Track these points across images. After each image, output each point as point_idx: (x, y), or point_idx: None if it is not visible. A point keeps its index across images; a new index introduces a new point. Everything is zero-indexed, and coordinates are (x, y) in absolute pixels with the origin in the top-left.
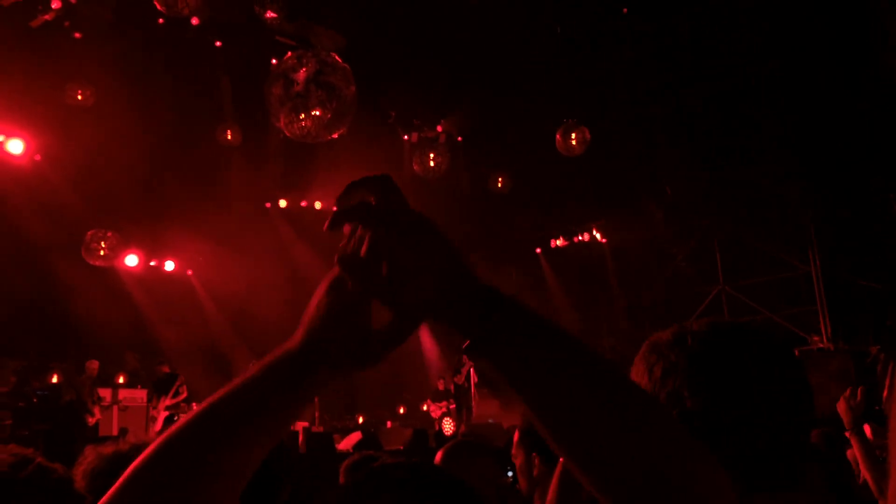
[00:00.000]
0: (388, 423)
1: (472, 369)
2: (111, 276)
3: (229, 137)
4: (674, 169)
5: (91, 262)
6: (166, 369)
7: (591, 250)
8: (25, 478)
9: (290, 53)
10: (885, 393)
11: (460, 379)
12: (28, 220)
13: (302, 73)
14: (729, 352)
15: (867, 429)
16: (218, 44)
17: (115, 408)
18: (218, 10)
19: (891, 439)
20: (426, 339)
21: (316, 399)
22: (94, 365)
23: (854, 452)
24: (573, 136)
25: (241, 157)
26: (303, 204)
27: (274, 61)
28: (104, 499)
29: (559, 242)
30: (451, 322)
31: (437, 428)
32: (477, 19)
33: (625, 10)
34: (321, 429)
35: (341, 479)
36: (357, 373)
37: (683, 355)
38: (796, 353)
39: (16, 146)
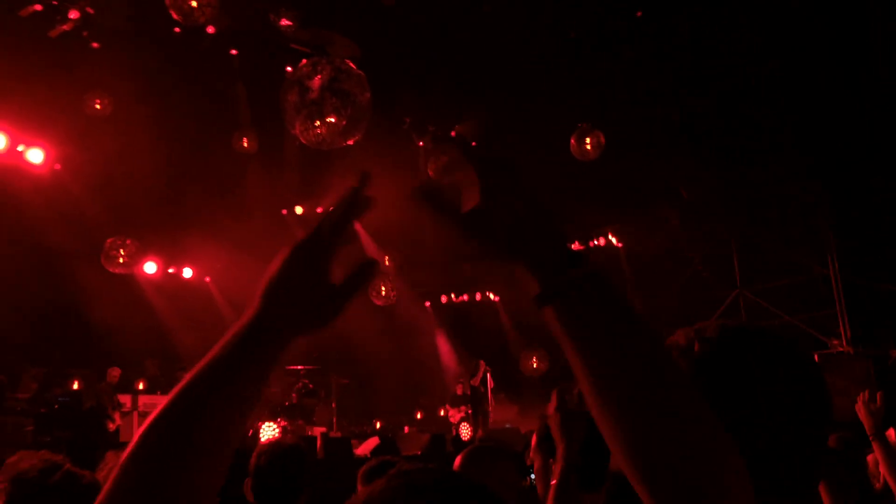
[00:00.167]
0: (406, 429)
1: (488, 374)
2: (130, 284)
3: (245, 145)
4: (690, 172)
5: (110, 270)
6: None
7: (606, 255)
8: (54, 483)
9: (304, 61)
10: None
11: (476, 381)
12: (48, 229)
13: (317, 81)
14: (736, 354)
15: (892, 433)
16: (234, 52)
17: (136, 414)
18: (234, 18)
19: None
20: (443, 345)
21: (334, 404)
22: (115, 372)
23: (875, 457)
24: (588, 140)
25: (257, 164)
26: (319, 210)
27: (289, 69)
28: (100, 496)
29: (575, 247)
30: (532, 261)
31: (454, 433)
32: (490, 24)
33: (639, 13)
34: (339, 434)
35: (359, 485)
36: (319, 331)
37: (691, 358)
38: (815, 357)
39: (36, 155)
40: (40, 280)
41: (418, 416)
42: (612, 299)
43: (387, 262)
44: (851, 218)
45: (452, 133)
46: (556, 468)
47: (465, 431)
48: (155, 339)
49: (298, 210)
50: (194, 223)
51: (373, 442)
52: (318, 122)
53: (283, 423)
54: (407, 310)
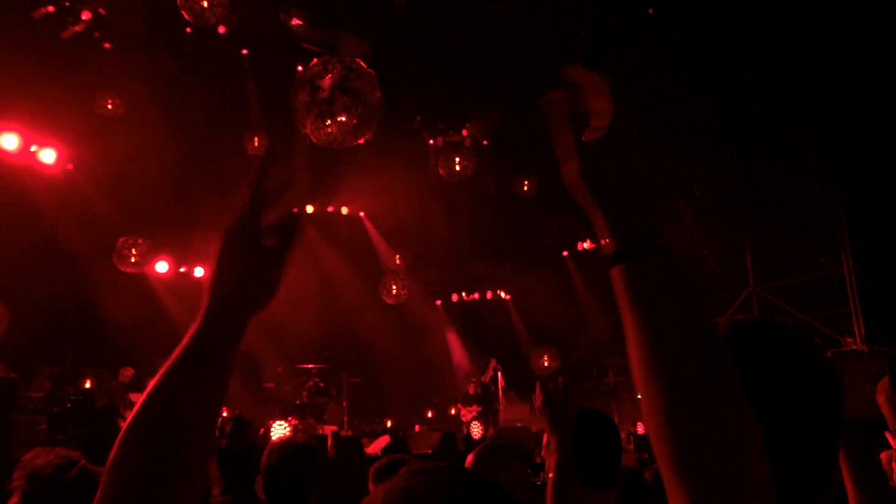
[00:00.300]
0: (417, 427)
1: (499, 372)
2: (142, 283)
3: (256, 144)
4: (704, 170)
5: (122, 269)
6: None
7: None
8: (69, 480)
9: (315, 60)
10: None
11: (486, 378)
12: (60, 228)
13: (327, 80)
14: (747, 350)
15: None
16: (244, 52)
17: None
18: (244, 18)
19: None
20: (453, 344)
21: (345, 403)
22: (128, 372)
23: (889, 454)
24: None
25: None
26: (329, 209)
27: (300, 68)
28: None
29: (586, 245)
30: (621, 217)
31: (465, 431)
32: (500, 23)
33: (650, 10)
34: (350, 433)
35: (370, 483)
36: (267, 303)
37: None
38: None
39: (48, 156)
40: (53, 279)
41: (429, 414)
42: (681, 276)
43: (398, 261)
44: (865, 214)
45: (464, 132)
46: (552, 460)
47: (477, 430)
48: (166, 338)
49: (309, 209)
50: (205, 222)
51: (384, 440)
52: (328, 121)
53: (294, 422)
54: (418, 308)
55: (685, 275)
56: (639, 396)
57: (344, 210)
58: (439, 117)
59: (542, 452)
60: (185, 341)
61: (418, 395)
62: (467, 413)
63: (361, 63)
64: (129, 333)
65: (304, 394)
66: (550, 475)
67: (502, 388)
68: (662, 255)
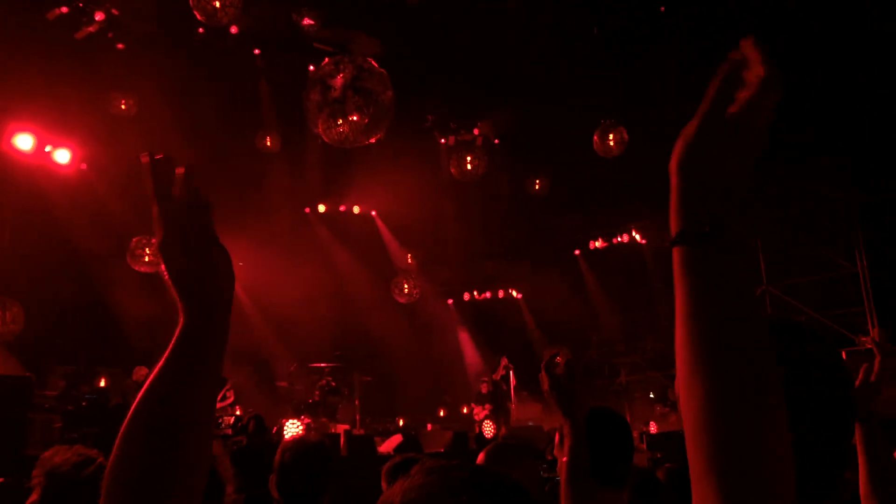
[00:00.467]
0: (429, 426)
1: (511, 371)
2: (156, 282)
3: (269, 144)
4: None
5: (136, 269)
6: None
7: (630, 251)
8: (87, 477)
9: (327, 59)
10: None
11: (496, 376)
12: (75, 228)
13: (339, 79)
14: None
15: None
16: (256, 51)
17: None
18: (256, 18)
19: None
20: (465, 343)
21: (357, 402)
22: (142, 371)
23: None
24: (611, 137)
25: (280, 163)
26: (341, 208)
27: (311, 67)
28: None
29: (598, 244)
30: (700, 198)
31: (477, 430)
32: (513, 21)
33: (662, 7)
34: (362, 431)
35: (382, 482)
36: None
37: None
38: (843, 354)
39: (62, 155)
40: (67, 279)
41: (441, 413)
42: (743, 269)
43: (409, 260)
44: (879, 213)
45: (475, 131)
46: (565, 445)
47: (489, 429)
48: None
49: (321, 208)
50: (217, 221)
51: (396, 439)
52: (340, 121)
53: (306, 421)
54: (429, 308)
55: (745, 270)
56: (676, 387)
57: (356, 209)
58: (451, 116)
59: (555, 451)
60: (175, 336)
61: (430, 394)
62: (480, 411)
63: (373, 62)
64: (142, 332)
65: (317, 392)
66: (564, 459)
67: (514, 386)
68: (726, 246)
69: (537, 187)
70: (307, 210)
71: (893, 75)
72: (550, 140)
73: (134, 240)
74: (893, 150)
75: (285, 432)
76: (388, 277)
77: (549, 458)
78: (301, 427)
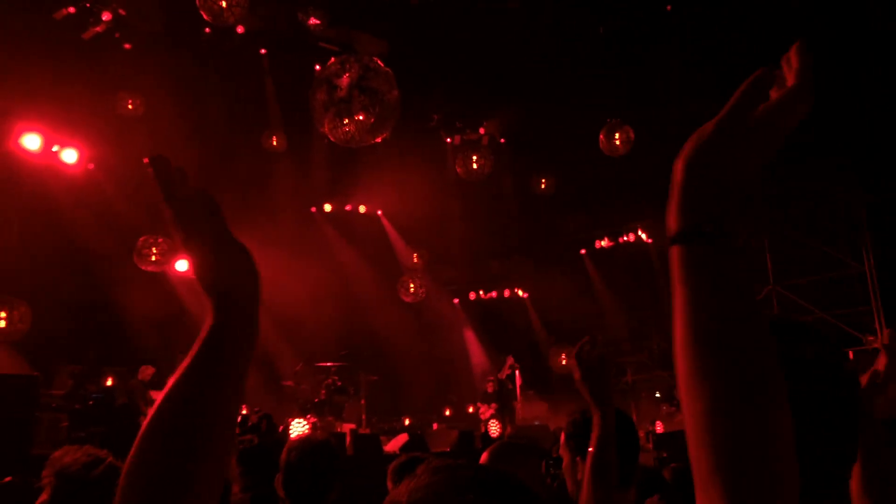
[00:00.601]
0: (435, 425)
1: (517, 371)
2: (162, 281)
3: (275, 143)
4: None
5: (143, 268)
6: None
7: (636, 251)
8: (96, 477)
9: (333, 59)
10: None
11: (502, 375)
12: (82, 228)
13: (345, 79)
14: None
15: None
16: (263, 51)
17: None
18: (262, 18)
19: None
20: (471, 342)
21: (363, 401)
22: (148, 370)
23: None
24: (616, 135)
25: (286, 162)
26: (347, 208)
27: (318, 67)
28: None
29: (604, 243)
30: (702, 198)
31: (483, 429)
32: (518, 21)
33: (668, 7)
34: (368, 430)
35: (388, 481)
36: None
37: None
38: (850, 354)
39: (70, 155)
40: (74, 278)
41: (447, 412)
42: (744, 269)
43: (415, 260)
44: (886, 212)
45: (481, 130)
46: (593, 436)
47: (494, 428)
48: (187, 336)
49: (327, 208)
50: (225, 220)
51: (402, 438)
52: (346, 120)
53: (312, 420)
54: (435, 307)
55: (745, 270)
56: (677, 387)
57: (362, 209)
58: (456, 116)
59: (560, 451)
60: (202, 334)
61: (436, 394)
62: (486, 410)
63: (379, 62)
64: (149, 332)
65: (323, 392)
66: (591, 449)
67: (520, 386)
68: (727, 247)
69: (543, 186)
70: (313, 209)
71: None
72: (556, 139)
73: (140, 239)
74: None
75: (291, 431)
76: (394, 277)
77: (556, 455)
78: (307, 426)
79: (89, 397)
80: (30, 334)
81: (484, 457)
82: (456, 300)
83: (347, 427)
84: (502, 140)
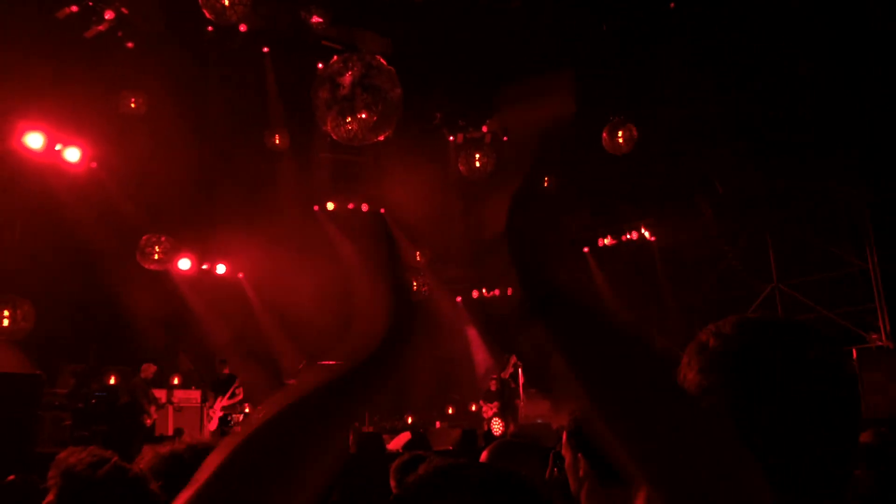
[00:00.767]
0: (437, 424)
1: (520, 369)
2: (165, 280)
3: (277, 142)
4: (725, 164)
5: (146, 266)
6: (227, 371)
7: (639, 249)
8: (102, 477)
9: (335, 57)
10: None
11: (505, 374)
12: (84, 226)
13: (348, 77)
14: (753, 349)
15: None
16: (265, 50)
17: (170, 408)
18: (265, 16)
19: None
20: (474, 340)
21: None
22: (151, 369)
23: None
24: (620, 134)
25: (288, 161)
26: (350, 206)
27: (320, 65)
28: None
29: (607, 241)
30: (526, 273)
31: (486, 428)
32: (520, 19)
33: (672, 4)
34: (371, 429)
35: (391, 479)
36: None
37: (706, 355)
38: (854, 352)
39: (72, 154)
40: (77, 277)
41: (449, 411)
42: (590, 321)
43: (418, 258)
44: (890, 210)
45: (484, 128)
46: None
47: (497, 426)
48: (189, 335)
49: (330, 206)
50: (227, 220)
51: (404, 437)
52: (349, 118)
53: None
54: (438, 305)
55: (595, 318)
56: None
57: (364, 207)
58: (459, 114)
59: (562, 450)
60: (340, 368)
61: (439, 392)
62: (489, 409)
63: (381, 60)
64: (152, 330)
65: None
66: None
67: (523, 384)
68: (565, 307)
69: (546, 184)
70: (315, 208)
71: None
72: (559, 137)
73: (143, 238)
74: None
75: None
76: None
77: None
78: None
79: (92, 396)
80: (33, 333)
81: (484, 455)
82: (459, 298)
83: None
84: (505, 138)
